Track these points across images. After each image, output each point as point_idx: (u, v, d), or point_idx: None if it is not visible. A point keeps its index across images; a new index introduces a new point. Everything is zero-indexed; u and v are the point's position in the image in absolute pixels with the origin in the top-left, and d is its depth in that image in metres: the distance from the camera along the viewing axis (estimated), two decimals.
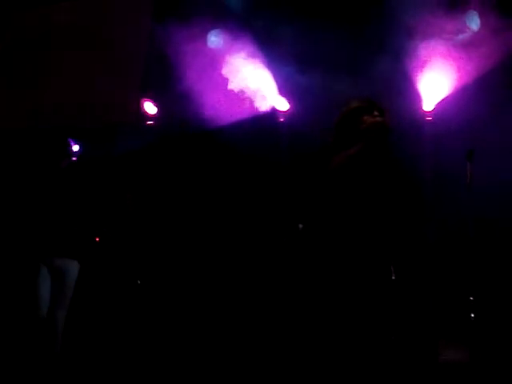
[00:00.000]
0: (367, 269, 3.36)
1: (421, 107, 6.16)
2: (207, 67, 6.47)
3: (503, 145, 5.79)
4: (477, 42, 5.84)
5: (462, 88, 5.97)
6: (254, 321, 6.10)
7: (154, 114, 6.91)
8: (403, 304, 5.58)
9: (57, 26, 7.17)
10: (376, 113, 3.44)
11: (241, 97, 6.43)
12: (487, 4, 5.67)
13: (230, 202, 6.68)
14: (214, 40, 6.40)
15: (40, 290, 4.67)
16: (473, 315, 5.12)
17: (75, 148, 6.38)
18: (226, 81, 6.44)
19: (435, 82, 6.04)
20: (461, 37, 5.96)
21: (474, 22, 5.80)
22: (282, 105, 6.43)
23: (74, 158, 6.13)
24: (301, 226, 5.76)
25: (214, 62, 6.47)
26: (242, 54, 6.27)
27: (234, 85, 6.43)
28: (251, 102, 6.43)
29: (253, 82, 6.39)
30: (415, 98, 6.14)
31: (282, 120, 6.49)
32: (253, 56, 6.22)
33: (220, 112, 6.33)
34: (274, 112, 6.47)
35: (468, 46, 5.88)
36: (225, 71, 6.43)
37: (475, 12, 5.76)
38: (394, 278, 4.03)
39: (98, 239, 6.12)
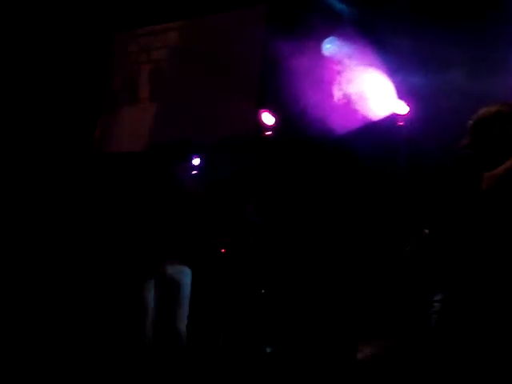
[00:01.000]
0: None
1: None
2: (323, 77, 6.45)
3: None
4: None
5: None
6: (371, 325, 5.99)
7: (272, 125, 6.96)
8: None
9: (174, 44, 7.41)
10: None
11: (358, 104, 6.37)
12: None
13: (353, 211, 6.61)
14: (329, 47, 6.38)
15: (146, 303, 4.60)
16: None
17: (196, 161, 6.57)
18: (341, 89, 6.41)
19: None
20: None
21: None
22: (402, 108, 6.30)
23: (194, 172, 6.30)
24: (427, 231, 5.62)
25: (330, 71, 6.44)
26: (358, 60, 6.21)
27: (350, 92, 6.38)
28: (370, 108, 6.36)
29: (370, 87, 6.31)
30: None
31: (401, 124, 6.36)
32: (369, 62, 6.15)
33: (338, 121, 6.29)
34: (393, 117, 6.35)
35: None
36: (340, 79, 6.40)
37: None
38: None
39: (223, 250, 6.23)
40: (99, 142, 7.86)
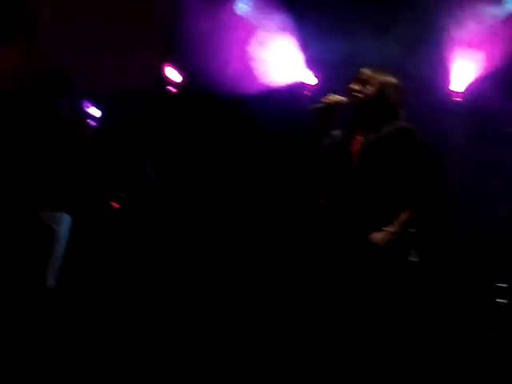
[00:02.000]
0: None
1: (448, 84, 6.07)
2: (233, 36, 6.32)
3: None
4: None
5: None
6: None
7: (177, 80, 6.78)
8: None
9: None
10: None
11: (266, 68, 6.31)
12: None
13: (248, 173, 6.61)
14: (243, 7, 6.24)
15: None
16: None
17: (96, 113, 6.27)
18: (252, 50, 6.31)
19: (467, 62, 5.95)
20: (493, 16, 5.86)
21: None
22: (309, 78, 6.30)
23: (94, 123, 6.01)
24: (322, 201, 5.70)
25: (241, 30, 6.32)
26: (272, 25, 6.12)
27: (259, 54, 6.30)
28: (277, 74, 6.31)
29: (280, 54, 6.25)
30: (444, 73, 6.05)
31: (307, 94, 6.37)
32: (282, 28, 6.07)
33: (245, 82, 6.21)
34: (300, 85, 6.34)
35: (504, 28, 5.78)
36: (252, 41, 6.29)
37: None
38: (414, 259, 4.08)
39: (116, 205, 6.03)
40: None
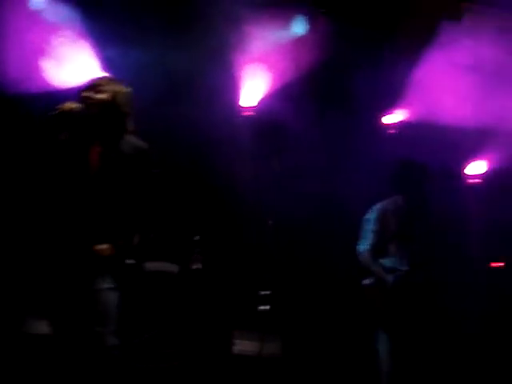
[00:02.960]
0: None
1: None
2: (24, 29, 6.03)
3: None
4: (300, 45, 6.15)
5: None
6: None
7: None
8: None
9: None
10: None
11: (55, 68, 6.11)
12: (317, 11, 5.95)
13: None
14: (37, 4, 5.99)
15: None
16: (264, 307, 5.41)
17: None
18: (41, 47, 6.07)
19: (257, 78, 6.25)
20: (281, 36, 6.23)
21: (300, 27, 6.08)
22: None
23: None
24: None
25: (33, 25, 6.05)
26: (66, 25, 5.95)
27: (50, 53, 6.08)
28: (67, 75, 6.13)
29: (69, 55, 6.09)
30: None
31: None
32: (79, 29, 5.93)
33: (29, 82, 5.95)
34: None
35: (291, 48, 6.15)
36: (43, 38, 6.06)
37: (304, 16, 6.03)
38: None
39: None
40: None
